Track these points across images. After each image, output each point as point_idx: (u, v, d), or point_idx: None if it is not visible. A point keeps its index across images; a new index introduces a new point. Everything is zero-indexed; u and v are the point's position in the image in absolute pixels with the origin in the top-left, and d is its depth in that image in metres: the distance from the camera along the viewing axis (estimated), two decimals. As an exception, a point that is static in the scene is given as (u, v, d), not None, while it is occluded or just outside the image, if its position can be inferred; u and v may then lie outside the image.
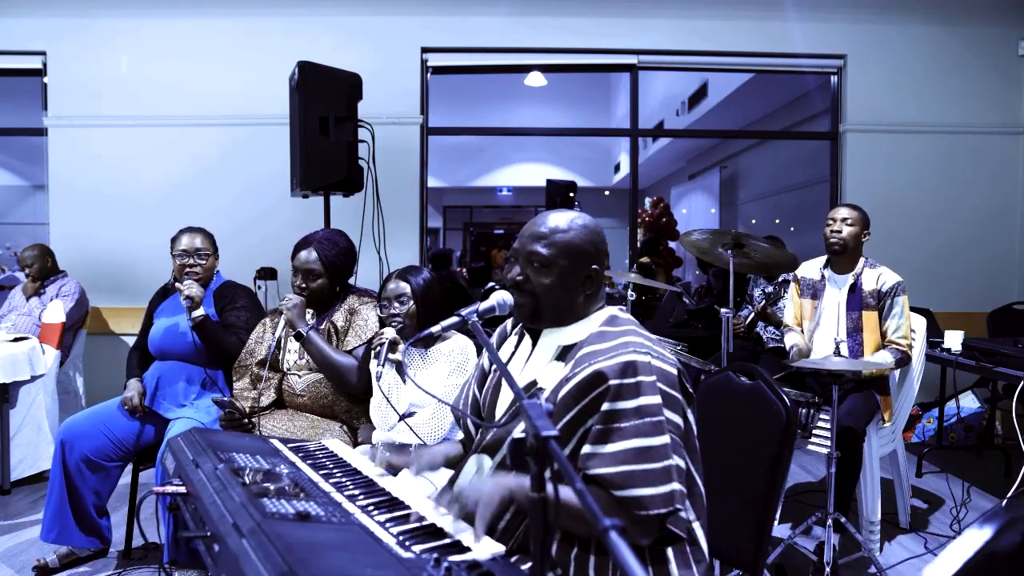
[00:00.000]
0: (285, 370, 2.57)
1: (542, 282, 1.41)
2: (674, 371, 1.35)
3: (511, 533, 1.33)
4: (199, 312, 2.65)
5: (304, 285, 2.54)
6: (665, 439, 1.27)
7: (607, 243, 1.50)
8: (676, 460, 1.28)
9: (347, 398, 2.50)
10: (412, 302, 2.34)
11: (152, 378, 2.74)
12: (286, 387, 2.54)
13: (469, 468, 1.46)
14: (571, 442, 1.31)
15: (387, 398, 2.19)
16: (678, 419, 1.32)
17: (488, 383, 1.57)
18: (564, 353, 1.42)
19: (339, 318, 2.57)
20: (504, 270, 1.50)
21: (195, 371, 2.74)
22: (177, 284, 2.70)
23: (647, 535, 1.28)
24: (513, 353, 1.56)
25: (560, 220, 1.44)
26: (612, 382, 1.27)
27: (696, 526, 1.36)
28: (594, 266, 1.43)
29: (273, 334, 2.61)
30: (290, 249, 2.63)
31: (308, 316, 2.57)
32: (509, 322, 1.65)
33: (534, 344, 1.49)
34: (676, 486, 1.26)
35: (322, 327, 2.56)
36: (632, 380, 1.28)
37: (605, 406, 1.27)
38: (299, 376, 2.52)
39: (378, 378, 2.25)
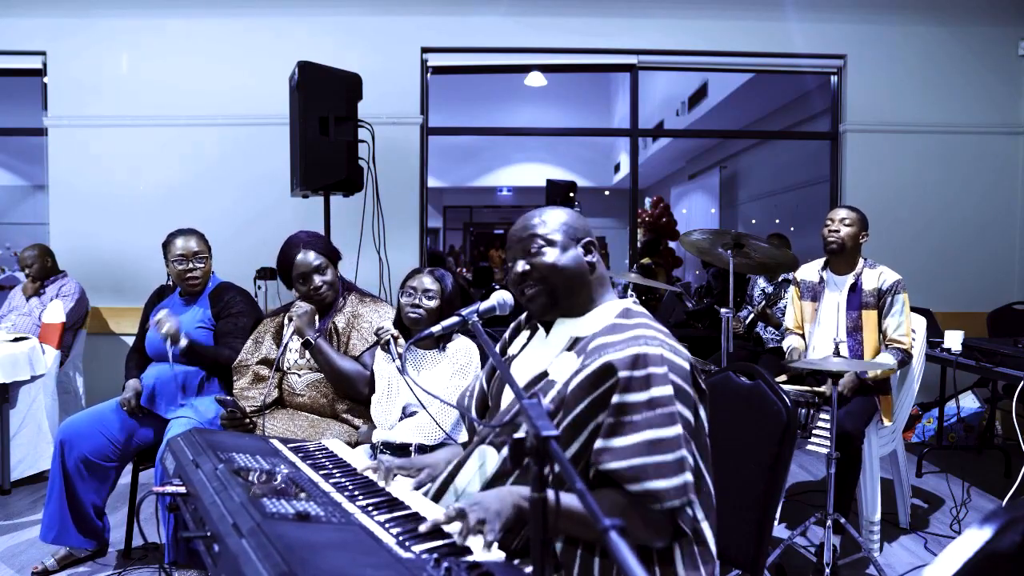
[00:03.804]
0: (285, 369, 2.57)
1: (547, 262, 1.42)
2: (687, 365, 1.34)
3: (513, 536, 1.31)
4: (182, 343, 2.61)
5: (319, 285, 2.54)
6: (678, 430, 1.25)
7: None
8: (685, 453, 1.26)
9: (347, 398, 2.50)
10: (439, 300, 2.34)
11: (150, 380, 2.73)
12: (286, 386, 2.54)
13: (473, 462, 1.45)
14: (582, 436, 1.29)
15: (420, 387, 2.16)
16: (688, 414, 1.30)
17: (496, 376, 1.56)
18: (575, 344, 1.40)
19: (340, 320, 2.57)
20: (505, 276, 1.50)
21: (192, 373, 2.72)
22: (152, 321, 2.65)
23: (661, 535, 1.27)
24: (525, 344, 1.55)
25: (539, 211, 1.50)
26: (622, 374, 1.26)
27: (705, 526, 1.34)
28: (588, 238, 1.48)
29: (274, 336, 2.61)
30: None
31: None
32: (524, 316, 1.65)
33: (546, 335, 1.49)
34: (688, 478, 1.25)
35: (325, 328, 2.55)
36: (642, 372, 1.26)
37: (615, 399, 1.26)
38: (299, 375, 2.52)
39: (403, 371, 2.22)
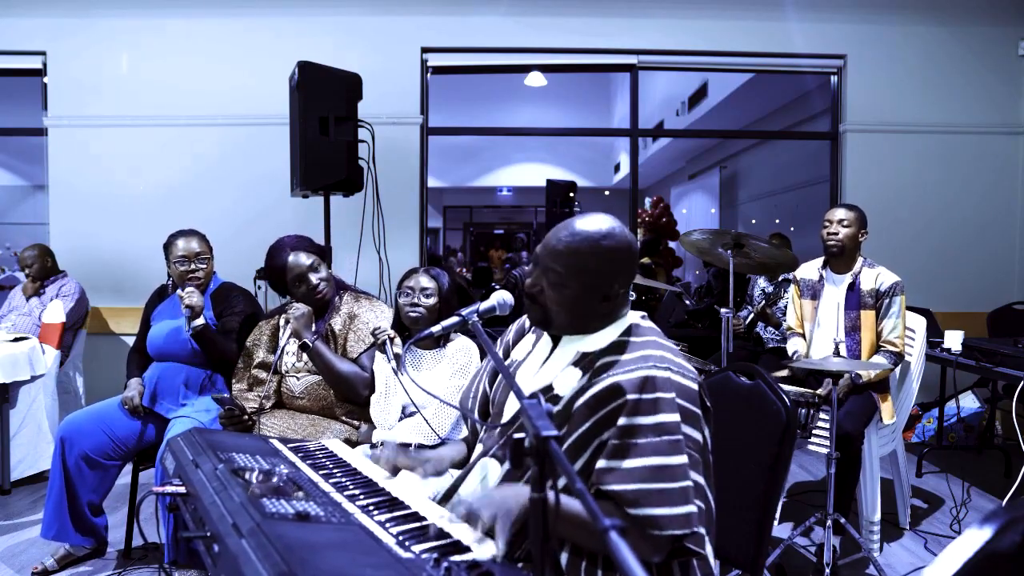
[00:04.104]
0: (283, 372, 2.56)
1: (554, 297, 1.37)
2: (694, 386, 1.32)
3: (517, 543, 1.30)
4: (199, 321, 2.63)
5: (316, 283, 2.52)
6: (683, 458, 1.24)
7: (635, 255, 1.40)
8: (694, 478, 1.25)
9: (347, 400, 2.49)
10: (436, 298, 2.34)
11: (151, 379, 2.73)
12: (285, 389, 2.53)
13: (476, 474, 1.45)
14: (585, 454, 1.28)
15: (419, 387, 2.18)
16: (697, 435, 1.29)
17: (499, 381, 1.54)
18: (582, 360, 1.38)
19: (337, 322, 2.54)
20: (527, 271, 1.48)
21: (194, 372, 2.73)
22: (179, 292, 2.67)
23: (658, 552, 1.26)
24: (530, 352, 1.53)
25: (583, 236, 1.35)
26: (630, 396, 1.25)
27: (705, 540, 1.34)
28: (614, 285, 1.36)
29: (270, 339, 2.60)
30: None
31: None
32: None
33: (553, 345, 1.47)
34: (693, 508, 1.24)
35: (321, 330, 2.54)
36: (651, 396, 1.25)
37: (622, 420, 1.24)
38: (297, 379, 2.51)
39: (399, 370, 2.23)
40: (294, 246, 2.55)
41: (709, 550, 1.35)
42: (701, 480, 1.28)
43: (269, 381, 2.52)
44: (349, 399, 2.45)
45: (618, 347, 1.35)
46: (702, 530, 1.29)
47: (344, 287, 2.69)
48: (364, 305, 2.59)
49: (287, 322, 2.49)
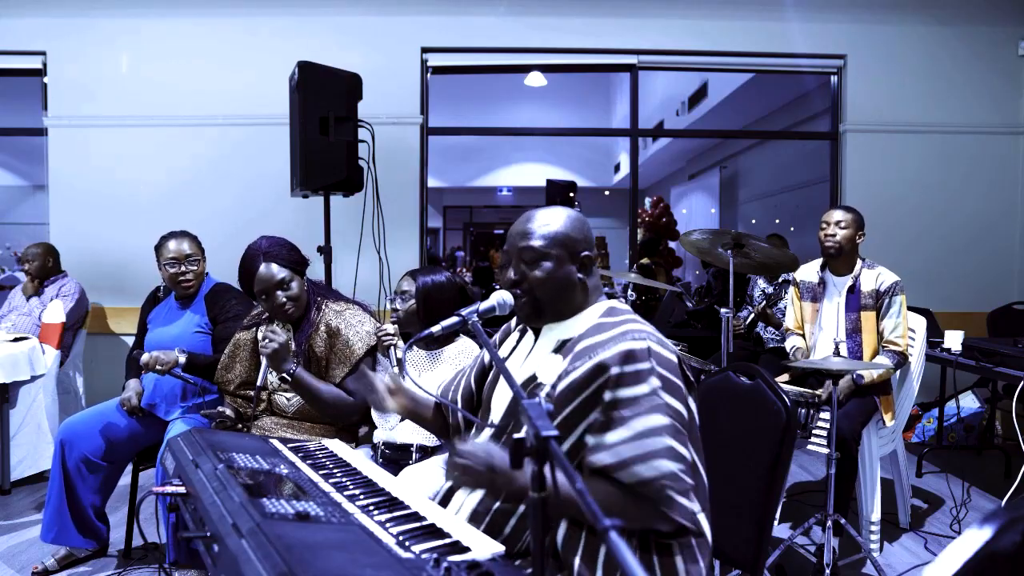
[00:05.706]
0: (271, 389, 2.43)
1: (537, 276, 1.42)
2: (674, 358, 1.35)
3: (517, 536, 1.33)
4: (182, 360, 2.52)
5: (282, 302, 2.31)
6: (664, 420, 1.26)
7: (592, 231, 1.51)
8: (674, 443, 1.26)
9: (338, 420, 2.40)
10: (412, 300, 2.34)
11: (149, 382, 2.72)
12: (275, 407, 2.43)
13: None
14: (574, 435, 1.30)
15: (420, 387, 2.18)
16: (678, 405, 1.31)
17: (488, 378, 1.57)
18: (562, 347, 1.41)
19: (317, 341, 2.35)
20: (499, 274, 1.51)
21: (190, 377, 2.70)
22: (141, 361, 2.49)
23: (659, 517, 1.25)
24: (514, 349, 1.56)
25: (544, 215, 1.46)
26: (613, 371, 1.27)
27: (701, 517, 1.35)
28: (585, 252, 1.45)
29: (251, 353, 2.48)
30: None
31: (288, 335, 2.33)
32: (514, 319, 1.65)
33: (535, 339, 1.50)
34: (673, 466, 1.25)
35: (301, 351, 2.35)
36: (632, 368, 1.28)
37: (607, 396, 1.27)
38: (287, 399, 2.39)
39: (401, 373, 2.24)
40: (268, 252, 2.33)
41: (706, 527, 1.36)
42: (683, 450, 1.28)
43: (259, 399, 2.40)
44: (340, 423, 2.36)
45: (596, 329, 1.38)
46: (695, 506, 1.29)
47: (321, 293, 2.48)
48: (344, 317, 2.39)
49: (264, 349, 2.22)
